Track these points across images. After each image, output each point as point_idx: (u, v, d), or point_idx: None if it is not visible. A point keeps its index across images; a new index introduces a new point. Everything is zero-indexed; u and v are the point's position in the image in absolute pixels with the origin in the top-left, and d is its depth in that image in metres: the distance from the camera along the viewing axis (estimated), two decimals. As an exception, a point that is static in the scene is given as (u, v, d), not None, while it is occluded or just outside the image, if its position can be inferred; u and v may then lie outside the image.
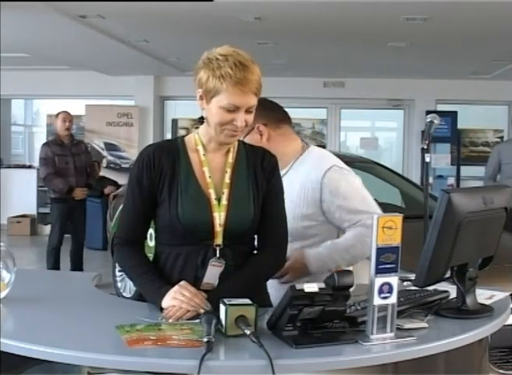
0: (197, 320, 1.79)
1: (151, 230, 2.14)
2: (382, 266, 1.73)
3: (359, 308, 1.85)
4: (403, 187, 5.62)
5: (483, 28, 6.76)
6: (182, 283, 1.97)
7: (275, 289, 2.28)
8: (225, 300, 1.74)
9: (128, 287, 6.10)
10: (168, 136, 11.18)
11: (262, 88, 2.03)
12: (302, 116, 11.24)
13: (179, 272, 2.06)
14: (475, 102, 11.11)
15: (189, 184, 2.06)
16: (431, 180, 9.81)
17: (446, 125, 10.28)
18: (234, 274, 2.04)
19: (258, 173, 2.13)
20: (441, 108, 10.78)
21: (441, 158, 10.41)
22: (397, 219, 1.75)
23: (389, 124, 12.32)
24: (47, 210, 9.76)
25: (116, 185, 9.02)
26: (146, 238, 2.14)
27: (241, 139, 2.23)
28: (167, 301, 1.93)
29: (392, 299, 1.75)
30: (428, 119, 2.90)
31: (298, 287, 1.66)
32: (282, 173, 2.25)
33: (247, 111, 2.00)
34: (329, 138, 11.30)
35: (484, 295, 2.17)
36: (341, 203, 2.45)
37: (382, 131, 12.34)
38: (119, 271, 6.21)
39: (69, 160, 6.75)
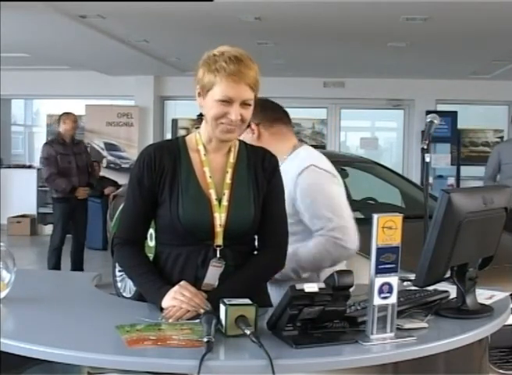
0: (197, 320, 1.79)
1: (151, 230, 2.14)
2: (382, 266, 1.73)
3: (359, 308, 1.85)
4: (403, 187, 5.61)
5: (483, 28, 6.76)
6: (182, 283, 1.97)
7: (275, 289, 2.28)
8: (225, 300, 1.74)
9: (128, 287, 6.10)
10: (168, 136, 11.18)
11: (262, 88, 2.03)
12: (302, 116, 11.24)
13: (180, 272, 2.06)
14: (475, 102, 11.10)
15: (189, 184, 2.06)
16: (431, 180, 9.80)
17: (446, 125, 10.28)
18: (234, 274, 2.04)
19: (259, 173, 2.12)
20: (441, 108, 10.78)
21: (441, 158, 10.41)
22: (397, 219, 1.75)
23: (389, 124, 12.32)
24: (47, 210, 9.79)
25: (116, 185, 9.02)
26: (146, 238, 2.14)
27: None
28: (167, 301, 1.93)
29: (392, 299, 1.75)
30: (428, 119, 2.90)
31: (298, 287, 1.66)
32: None
33: (243, 105, 1.99)
34: (329, 138, 11.30)
35: (484, 295, 2.17)
36: (308, 205, 2.42)
37: (382, 131, 12.34)
38: (119, 271, 6.20)
39: (71, 159, 6.72)
